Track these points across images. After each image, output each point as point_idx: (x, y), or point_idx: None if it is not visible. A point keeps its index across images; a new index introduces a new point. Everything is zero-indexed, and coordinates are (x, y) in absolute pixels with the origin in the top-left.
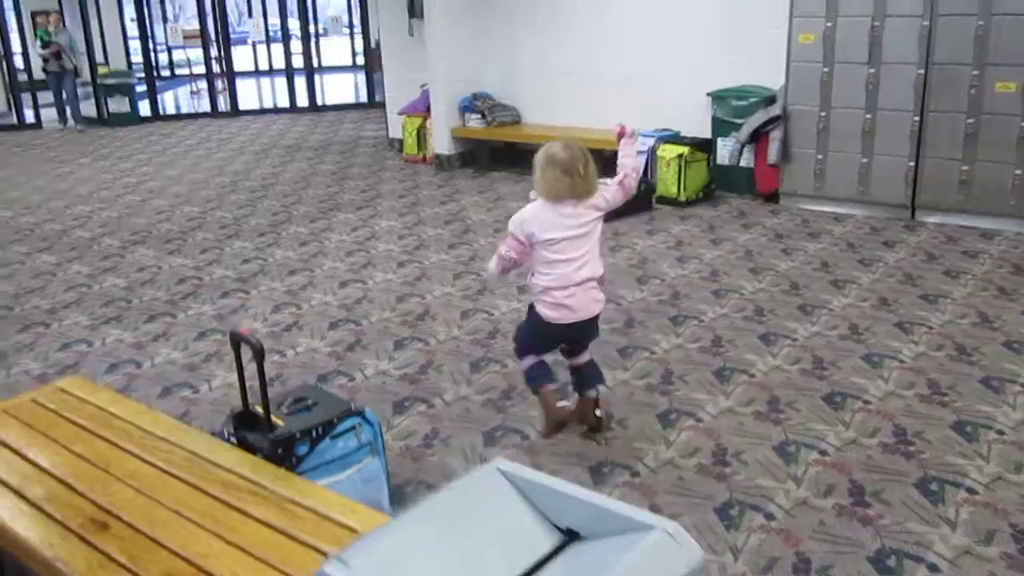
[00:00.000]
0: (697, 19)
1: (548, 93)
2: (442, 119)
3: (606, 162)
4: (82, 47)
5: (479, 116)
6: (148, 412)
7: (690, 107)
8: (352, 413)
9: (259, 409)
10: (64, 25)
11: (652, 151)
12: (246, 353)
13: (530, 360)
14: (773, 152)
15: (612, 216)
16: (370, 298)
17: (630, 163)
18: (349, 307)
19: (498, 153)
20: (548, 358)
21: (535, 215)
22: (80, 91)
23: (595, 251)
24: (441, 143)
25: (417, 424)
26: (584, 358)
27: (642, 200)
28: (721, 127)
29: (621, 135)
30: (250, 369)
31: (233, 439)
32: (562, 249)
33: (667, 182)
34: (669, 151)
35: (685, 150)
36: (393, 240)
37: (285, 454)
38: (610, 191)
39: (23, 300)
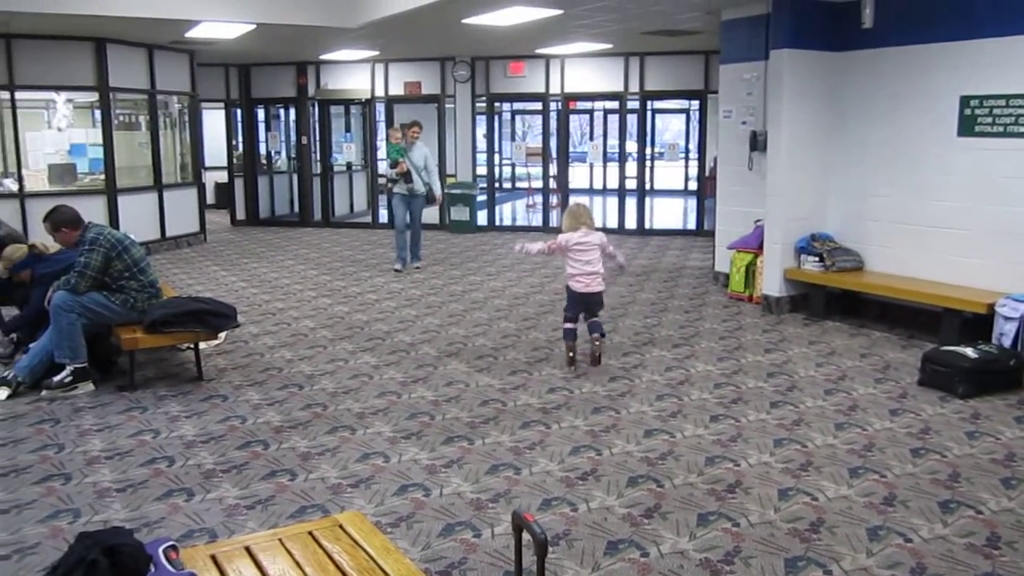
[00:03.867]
0: None
1: (898, 240)
2: (775, 258)
3: (964, 323)
4: (435, 161)
5: (817, 259)
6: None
7: None
8: None
9: None
10: (420, 140)
11: None
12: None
13: (568, 326)
14: None
15: (971, 393)
16: (676, 455)
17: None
18: (652, 462)
19: (834, 300)
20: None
21: (570, 237)
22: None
23: (598, 261)
24: (771, 284)
25: None
26: (594, 317)
27: (1008, 377)
28: None
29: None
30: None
31: None
32: (580, 253)
33: None
34: None
35: None
36: (708, 388)
37: None
38: (605, 239)
39: (338, 400)
